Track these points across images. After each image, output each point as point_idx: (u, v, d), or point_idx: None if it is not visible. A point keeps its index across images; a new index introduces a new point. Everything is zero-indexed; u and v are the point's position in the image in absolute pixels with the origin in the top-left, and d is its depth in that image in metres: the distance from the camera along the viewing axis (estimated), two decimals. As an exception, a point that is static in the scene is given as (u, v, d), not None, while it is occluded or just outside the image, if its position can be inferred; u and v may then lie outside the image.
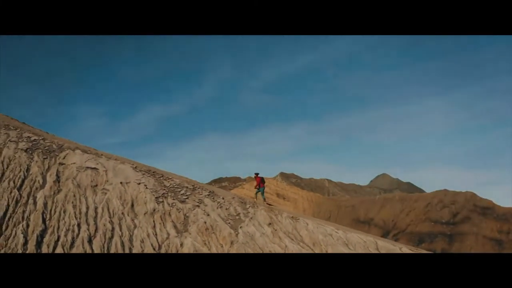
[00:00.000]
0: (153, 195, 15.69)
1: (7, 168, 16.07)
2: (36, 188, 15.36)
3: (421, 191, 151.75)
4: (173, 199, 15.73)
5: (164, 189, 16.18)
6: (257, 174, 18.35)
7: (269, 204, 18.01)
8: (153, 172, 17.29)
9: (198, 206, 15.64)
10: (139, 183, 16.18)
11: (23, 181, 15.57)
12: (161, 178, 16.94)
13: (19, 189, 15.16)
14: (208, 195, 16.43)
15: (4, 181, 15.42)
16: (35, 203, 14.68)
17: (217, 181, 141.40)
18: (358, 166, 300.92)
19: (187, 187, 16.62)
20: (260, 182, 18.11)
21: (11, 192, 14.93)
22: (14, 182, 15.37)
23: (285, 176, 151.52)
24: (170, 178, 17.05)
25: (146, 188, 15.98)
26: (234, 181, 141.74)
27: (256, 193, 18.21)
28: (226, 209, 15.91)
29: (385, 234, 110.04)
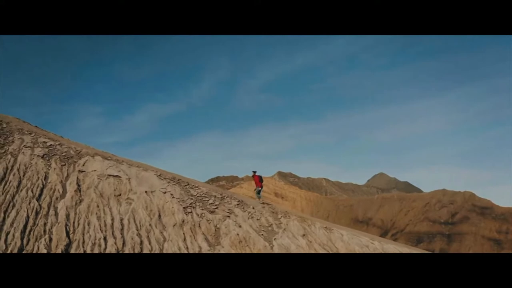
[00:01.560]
0: (181, 205, 14.81)
1: (23, 176, 15.10)
2: (57, 198, 14.41)
3: (418, 190, 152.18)
4: (202, 209, 14.87)
5: (192, 199, 15.31)
6: (254, 172, 17.52)
7: (266, 203, 17.11)
8: (178, 180, 16.39)
9: (229, 216, 14.80)
10: (165, 192, 15.29)
11: (42, 190, 14.61)
12: (187, 186, 16.06)
13: (38, 199, 14.21)
14: (238, 204, 15.59)
15: (21, 190, 14.45)
16: (56, 214, 13.74)
17: (214, 180, 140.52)
18: (356, 165, 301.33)
19: (215, 196, 15.76)
20: (259, 181, 17.31)
21: (30, 203, 13.97)
22: (32, 192, 14.41)
23: (282, 175, 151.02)
24: (197, 187, 16.17)
25: (173, 197, 15.10)
26: (232, 180, 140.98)
27: (257, 192, 17.44)
28: (257, 219, 15.09)
29: (384, 234, 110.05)
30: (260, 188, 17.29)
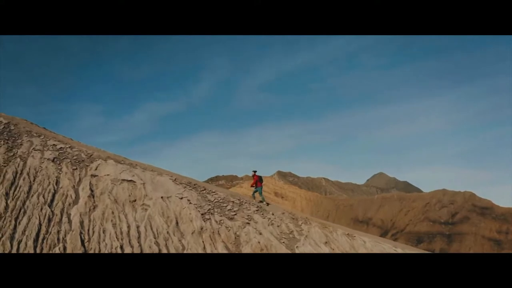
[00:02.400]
0: (199, 211, 14.24)
1: (34, 180, 14.48)
2: (69, 204, 13.81)
3: (418, 190, 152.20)
4: (221, 216, 14.31)
5: (209, 205, 14.74)
6: (254, 172, 17.03)
7: (267, 203, 16.54)
8: (194, 184, 15.81)
9: (248, 223, 14.24)
10: (181, 198, 14.71)
11: (53, 196, 14.00)
12: (204, 191, 15.48)
13: (50, 205, 13.60)
14: (257, 210, 15.03)
15: (32, 195, 13.84)
16: (69, 221, 13.14)
17: (213, 180, 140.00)
18: (355, 165, 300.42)
19: (233, 202, 15.20)
20: (258, 180, 16.79)
21: (41, 209, 13.36)
22: (44, 197, 13.79)
23: (282, 175, 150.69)
24: (214, 192, 15.59)
25: (190, 203, 14.52)
26: (231, 180, 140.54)
27: (254, 192, 16.89)
28: (278, 226, 14.55)
29: (384, 234, 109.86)
30: (260, 188, 16.75)
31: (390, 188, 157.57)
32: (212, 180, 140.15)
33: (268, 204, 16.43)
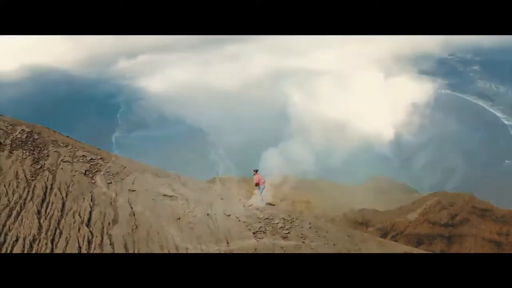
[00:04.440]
0: (249, 229, 13.06)
1: (66, 196, 13.18)
2: (109, 223, 12.54)
3: (416, 191, 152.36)
4: (273, 235, 13.14)
5: (259, 222, 13.56)
6: (256, 171, 15.99)
7: (271, 205, 15.43)
8: (239, 199, 14.61)
9: (304, 242, 13.10)
10: (228, 215, 13.51)
11: (90, 214, 12.72)
12: (251, 206, 14.30)
13: (88, 225, 12.33)
14: (310, 228, 13.89)
15: (67, 214, 12.56)
16: (111, 243, 11.89)
17: (212, 180, 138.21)
18: (354, 165, 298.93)
19: (284, 218, 14.03)
20: (260, 179, 15.63)
21: (79, 229, 12.09)
22: (80, 216, 12.51)
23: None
24: (262, 208, 14.41)
25: (239, 220, 13.33)
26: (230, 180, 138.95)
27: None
28: (334, 245, 13.42)
29: (383, 236, 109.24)
30: (263, 187, 15.59)
31: (389, 190, 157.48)
32: (211, 181, 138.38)
33: (272, 204, 15.36)
